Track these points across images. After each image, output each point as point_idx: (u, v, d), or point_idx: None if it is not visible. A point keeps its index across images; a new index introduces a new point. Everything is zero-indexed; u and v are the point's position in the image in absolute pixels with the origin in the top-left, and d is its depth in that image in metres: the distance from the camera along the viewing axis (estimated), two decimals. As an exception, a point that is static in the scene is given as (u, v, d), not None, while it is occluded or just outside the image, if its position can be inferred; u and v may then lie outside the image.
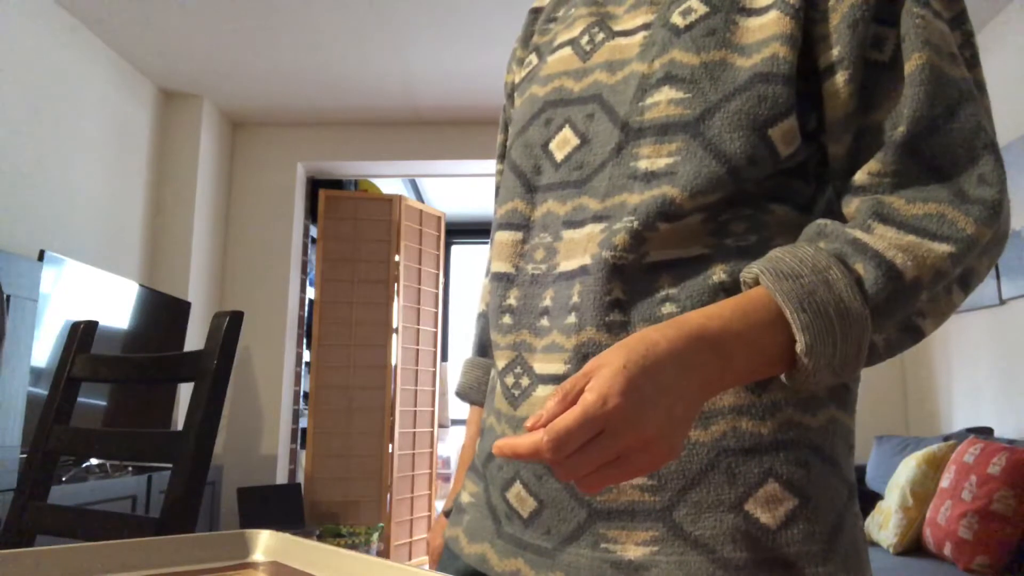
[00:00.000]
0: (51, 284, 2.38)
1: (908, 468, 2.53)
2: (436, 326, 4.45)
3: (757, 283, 0.54)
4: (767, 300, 0.52)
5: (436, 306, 4.47)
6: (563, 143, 0.67)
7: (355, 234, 4.10)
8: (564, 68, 0.70)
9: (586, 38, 0.70)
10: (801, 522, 0.54)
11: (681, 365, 0.48)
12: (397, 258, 4.13)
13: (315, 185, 4.25)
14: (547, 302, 0.63)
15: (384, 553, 3.83)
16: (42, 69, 2.71)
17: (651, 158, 0.60)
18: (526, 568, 0.60)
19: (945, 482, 2.34)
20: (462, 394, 0.87)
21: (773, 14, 0.59)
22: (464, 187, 5.39)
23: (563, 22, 0.76)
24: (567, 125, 0.67)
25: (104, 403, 2.76)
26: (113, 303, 2.76)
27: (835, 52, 0.58)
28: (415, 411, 4.22)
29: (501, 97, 0.93)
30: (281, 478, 3.77)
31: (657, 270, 0.59)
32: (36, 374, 2.26)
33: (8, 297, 1.96)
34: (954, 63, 0.57)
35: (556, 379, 0.60)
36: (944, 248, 0.53)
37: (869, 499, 2.80)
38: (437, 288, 4.49)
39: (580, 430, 0.44)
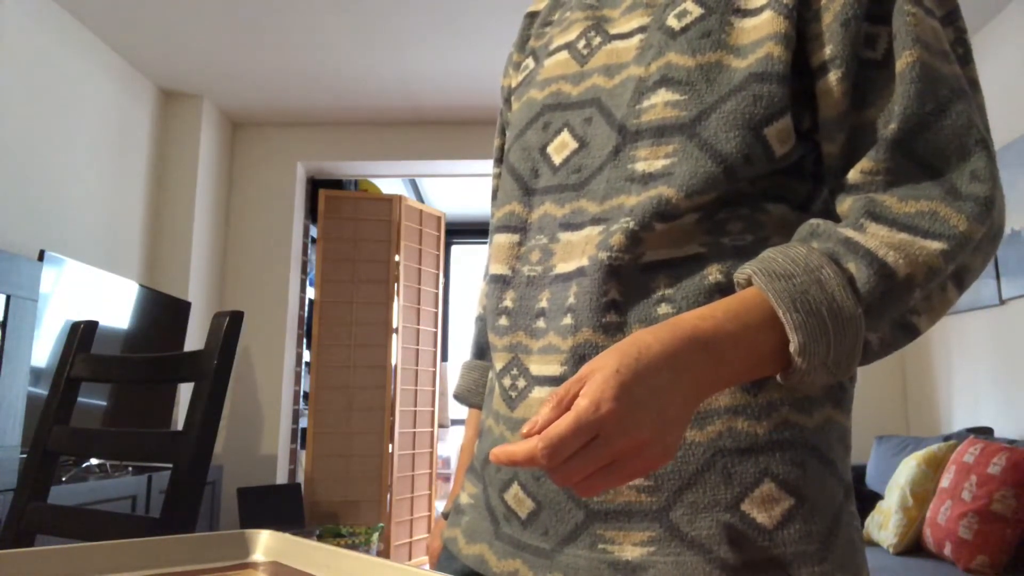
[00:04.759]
0: (51, 284, 2.39)
1: (908, 468, 2.53)
2: (436, 326, 4.46)
3: (750, 283, 0.54)
4: (760, 300, 0.52)
5: (436, 306, 4.48)
6: (561, 147, 0.67)
7: (355, 234, 4.10)
8: (561, 72, 0.71)
9: (583, 42, 0.70)
10: (797, 522, 0.54)
11: (674, 367, 0.48)
12: (397, 258, 4.14)
13: (315, 185, 4.25)
14: (543, 304, 0.64)
15: (384, 553, 3.83)
16: (42, 69, 2.71)
17: (648, 160, 0.60)
18: (524, 569, 0.61)
19: (945, 482, 2.34)
20: (460, 397, 0.88)
21: (767, 14, 0.59)
22: (464, 187, 5.40)
23: (559, 25, 0.76)
24: (565, 129, 0.67)
25: (104, 403, 2.77)
26: (113, 303, 2.76)
27: (828, 51, 0.58)
28: (415, 411, 4.22)
29: (501, 98, 0.94)
30: (281, 478, 3.77)
31: (653, 270, 0.59)
32: (36, 374, 2.26)
33: (8, 297, 1.96)
34: (946, 60, 0.57)
35: (552, 380, 0.60)
36: (936, 246, 0.53)
37: (869, 499, 2.80)
38: (437, 288, 4.49)
39: (574, 436, 0.44)
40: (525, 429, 0.46)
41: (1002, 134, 2.76)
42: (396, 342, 4.09)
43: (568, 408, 0.46)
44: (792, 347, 0.51)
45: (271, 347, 3.83)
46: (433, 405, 4.39)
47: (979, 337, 2.98)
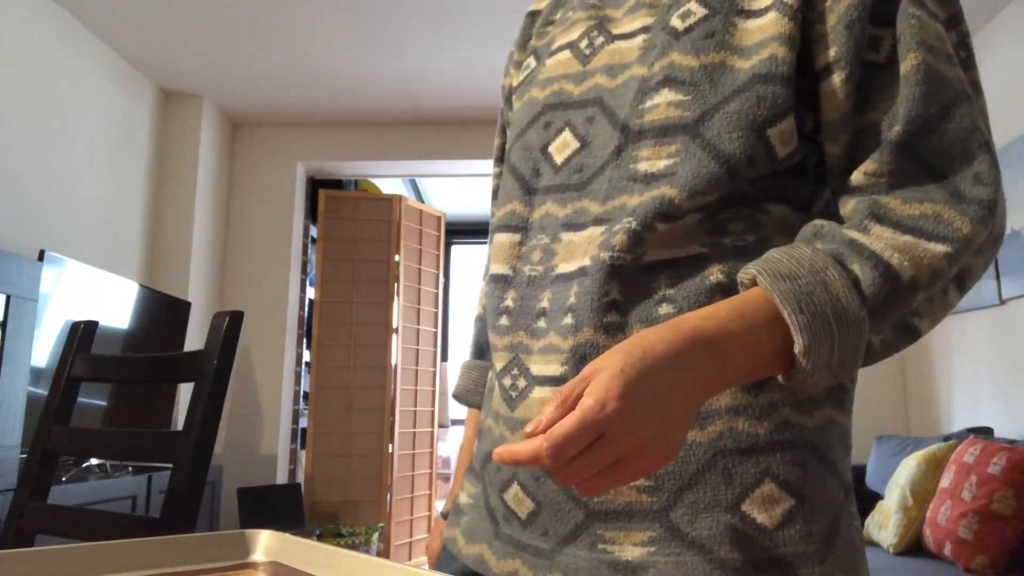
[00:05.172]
0: (51, 284, 2.39)
1: (908, 468, 2.53)
2: (436, 326, 4.46)
3: (754, 284, 0.54)
4: (764, 301, 0.52)
5: (436, 306, 4.48)
6: (563, 146, 0.67)
7: (355, 234, 4.10)
8: (563, 71, 0.70)
9: (585, 41, 0.70)
10: (798, 522, 0.54)
11: (678, 367, 0.48)
12: (397, 258, 4.14)
13: (315, 185, 4.25)
14: (544, 304, 0.64)
15: (384, 553, 3.83)
16: (42, 69, 2.71)
17: (651, 160, 0.60)
18: (524, 569, 0.61)
19: (945, 482, 2.34)
20: (459, 397, 0.88)
21: (772, 15, 0.59)
22: (464, 187, 5.40)
23: (561, 25, 0.76)
24: (567, 128, 0.67)
25: (104, 403, 2.77)
26: (113, 303, 2.76)
27: (832, 52, 0.58)
28: (415, 411, 4.22)
29: (501, 97, 0.94)
30: (281, 478, 3.77)
31: (655, 270, 0.59)
32: (36, 374, 2.26)
33: (8, 297, 1.96)
34: (949, 63, 0.57)
35: (553, 380, 0.60)
36: (940, 248, 0.53)
37: (869, 499, 2.80)
38: (437, 288, 4.49)
39: (579, 435, 0.44)
40: (529, 428, 0.45)
41: (1002, 134, 2.76)
42: (396, 342, 4.09)
43: (572, 407, 0.46)
44: (797, 348, 0.51)
45: (271, 347, 3.83)
46: (433, 405, 4.39)
47: (979, 337, 2.98)
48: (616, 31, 0.68)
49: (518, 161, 0.71)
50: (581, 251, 0.62)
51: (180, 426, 1.67)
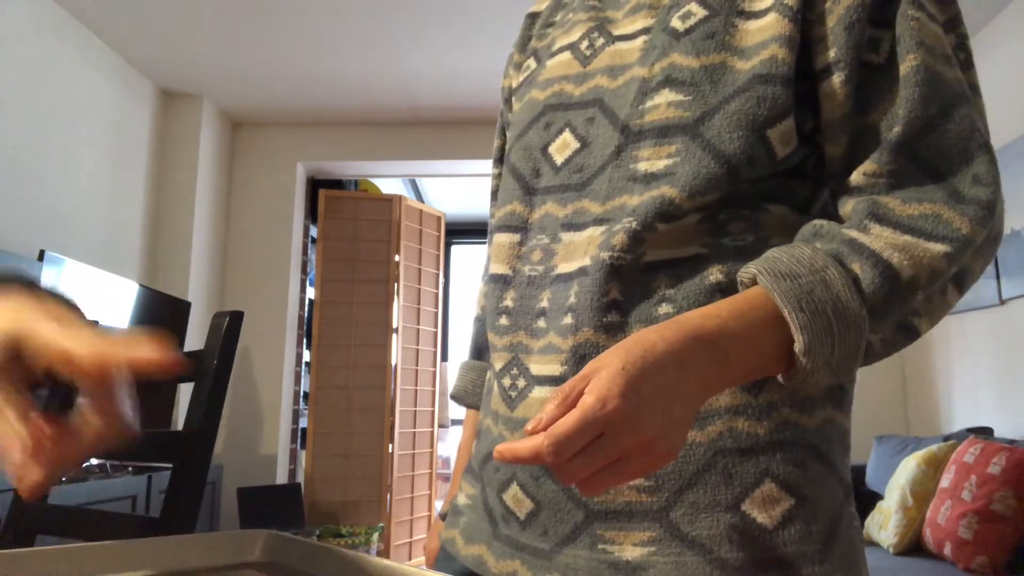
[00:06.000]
0: (51, 284, 2.39)
1: (908, 468, 2.53)
2: (436, 326, 4.46)
3: (754, 283, 0.54)
4: (765, 300, 0.52)
5: (436, 306, 4.48)
6: (563, 146, 0.67)
7: (355, 234, 4.10)
8: (564, 72, 0.71)
9: (586, 43, 0.70)
10: (798, 522, 0.54)
11: (679, 366, 0.48)
12: (397, 258, 4.14)
13: (315, 185, 4.25)
14: (544, 303, 0.64)
15: (384, 553, 3.83)
16: (42, 69, 2.71)
17: (651, 160, 0.60)
18: (523, 569, 0.60)
19: (945, 482, 2.34)
20: (458, 397, 0.87)
21: (772, 16, 0.59)
22: (464, 187, 5.40)
23: (561, 27, 0.76)
24: (567, 129, 0.67)
25: (104, 403, 2.76)
26: (113, 303, 2.76)
27: (831, 54, 0.58)
28: (415, 411, 4.22)
29: (501, 99, 0.94)
30: (281, 478, 3.77)
31: (654, 270, 0.59)
32: (36, 374, 2.26)
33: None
34: (948, 65, 0.57)
35: (553, 380, 0.60)
36: (940, 248, 0.53)
37: (869, 499, 2.80)
38: (437, 288, 4.49)
39: (580, 433, 0.44)
40: (529, 426, 0.45)
41: (1002, 134, 2.76)
42: (396, 342, 4.09)
43: (573, 405, 0.46)
44: (797, 347, 0.51)
45: (271, 347, 3.83)
46: (433, 405, 4.40)
47: (979, 337, 2.98)
48: (617, 32, 0.68)
49: (518, 161, 0.71)
50: (581, 251, 0.62)
51: (180, 426, 1.67)
